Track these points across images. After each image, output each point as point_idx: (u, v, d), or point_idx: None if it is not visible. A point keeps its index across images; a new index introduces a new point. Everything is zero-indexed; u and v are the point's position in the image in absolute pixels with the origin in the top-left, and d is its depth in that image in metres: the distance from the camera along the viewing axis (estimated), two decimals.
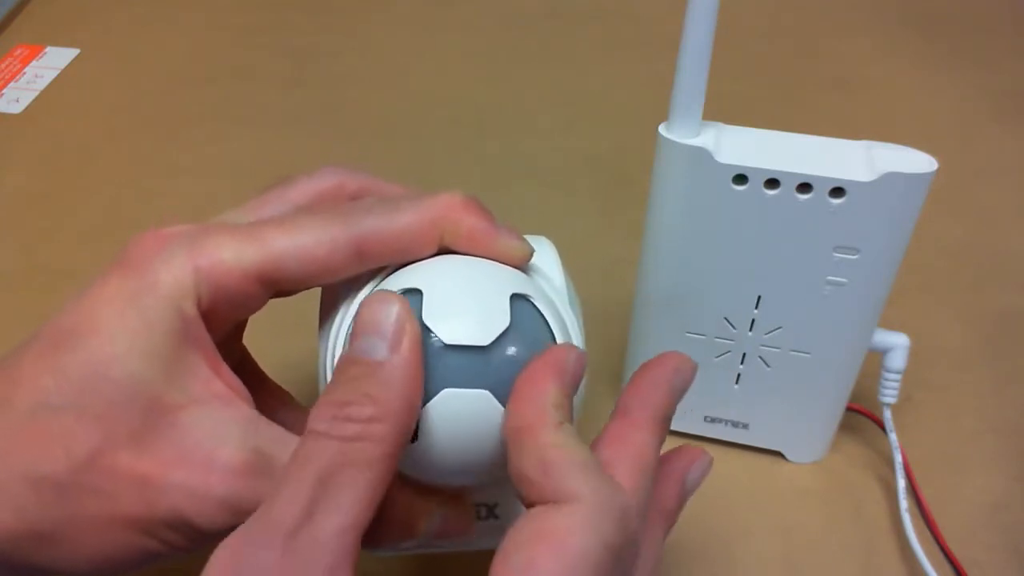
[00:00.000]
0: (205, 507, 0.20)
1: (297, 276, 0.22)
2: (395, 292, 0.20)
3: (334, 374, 0.20)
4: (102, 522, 0.20)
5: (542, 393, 0.20)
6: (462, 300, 0.21)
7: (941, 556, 0.31)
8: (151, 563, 0.21)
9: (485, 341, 0.20)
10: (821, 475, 0.34)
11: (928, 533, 0.31)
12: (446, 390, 0.20)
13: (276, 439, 0.21)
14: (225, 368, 0.23)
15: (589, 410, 0.35)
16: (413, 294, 0.21)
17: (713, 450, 0.35)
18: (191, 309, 0.22)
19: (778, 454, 0.35)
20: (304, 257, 0.22)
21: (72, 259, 0.43)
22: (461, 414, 0.20)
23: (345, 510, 0.18)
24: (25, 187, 0.48)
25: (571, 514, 0.18)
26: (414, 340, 0.20)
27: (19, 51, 0.60)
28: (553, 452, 0.19)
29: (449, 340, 0.20)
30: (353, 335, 0.20)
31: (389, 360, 0.19)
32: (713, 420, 0.34)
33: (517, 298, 0.22)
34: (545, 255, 0.25)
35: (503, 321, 0.21)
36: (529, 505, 0.19)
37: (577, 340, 0.23)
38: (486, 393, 0.20)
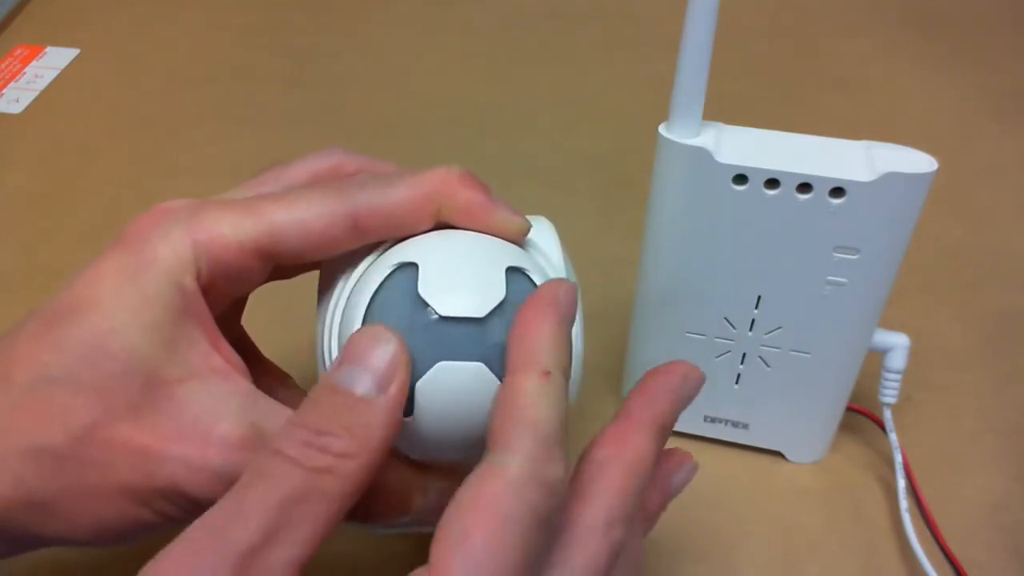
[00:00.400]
0: (201, 479, 0.20)
1: (295, 249, 0.22)
2: (392, 330, 0.20)
3: (311, 396, 0.19)
4: (99, 493, 0.20)
5: (535, 337, 0.20)
6: (457, 273, 0.21)
7: (941, 556, 0.31)
8: (144, 533, 0.21)
9: (480, 313, 0.20)
10: (821, 475, 0.34)
11: (928, 533, 0.31)
12: (441, 363, 0.20)
13: (273, 414, 0.21)
14: (224, 343, 0.23)
15: (589, 410, 0.35)
16: (409, 267, 0.21)
17: (713, 450, 0.35)
18: (190, 283, 0.22)
19: (778, 454, 0.35)
20: (302, 230, 0.22)
21: (72, 259, 0.43)
22: (456, 386, 0.20)
23: (299, 543, 0.18)
24: (25, 187, 0.48)
25: (500, 479, 0.18)
26: (403, 383, 0.19)
27: (19, 51, 0.60)
28: (519, 400, 0.19)
29: (444, 312, 0.20)
30: (341, 360, 0.19)
31: (376, 400, 0.19)
32: (713, 420, 0.34)
33: (513, 271, 0.22)
34: (543, 233, 0.25)
35: (499, 294, 0.21)
36: (490, 448, 0.19)
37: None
38: (481, 365, 0.20)
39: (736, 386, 0.33)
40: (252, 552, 0.17)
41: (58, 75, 0.57)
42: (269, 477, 0.18)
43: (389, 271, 0.22)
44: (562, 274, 0.24)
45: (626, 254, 0.37)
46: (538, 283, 0.22)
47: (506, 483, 0.18)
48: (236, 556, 0.17)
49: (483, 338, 0.21)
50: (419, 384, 0.20)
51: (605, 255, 0.43)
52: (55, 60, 0.59)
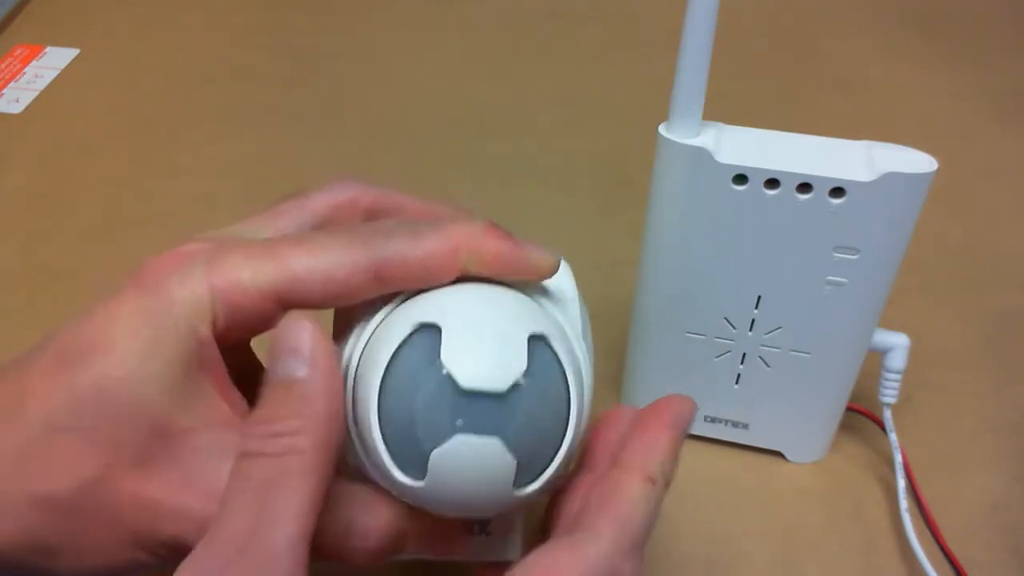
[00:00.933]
0: (205, 532, 0.20)
1: (314, 297, 0.22)
2: (303, 314, 0.20)
3: (259, 398, 0.20)
4: (105, 540, 0.20)
5: (654, 443, 0.22)
6: (480, 341, 0.21)
7: (941, 556, 0.31)
8: (144, 572, 0.22)
9: (502, 387, 0.20)
10: (821, 475, 0.34)
11: (928, 533, 0.31)
12: (458, 436, 0.20)
13: None
14: (233, 392, 0.23)
15: (589, 411, 0.35)
16: (430, 329, 0.21)
17: (713, 450, 0.35)
18: (206, 330, 0.21)
19: (778, 454, 0.35)
20: (323, 278, 0.22)
21: (72, 259, 0.43)
22: (470, 460, 0.20)
23: (289, 521, 0.18)
24: (25, 187, 0.48)
25: (578, 556, 0.19)
26: (327, 354, 0.20)
27: (19, 51, 0.60)
28: (621, 495, 0.20)
29: (466, 385, 0.20)
30: (270, 360, 0.20)
31: (308, 375, 0.19)
32: (713, 420, 0.34)
33: (534, 339, 0.21)
34: (561, 277, 0.24)
35: (520, 367, 0.20)
36: (575, 527, 0.20)
37: (587, 378, 0.23)
38: (497, 441, 0.20)
39: (736, 386, 0.33)
40: (246, 542, 0.18)
41: (58, 75, 0.57)
42: (243, 477, 0.19)
43: (409, 331, 0.21)
44: (577, 326, 0.24)
45: (626, 254, 0.37)
46: (559, 351, 0.22)
47: (583, 561, 0.19)
48: (232, 551, 0.18)
49: (502, 412, 0.20)
50: (434, 453, 0.20)
51: (605, 255, 0.43)
52: (55, 60, 0.59)
